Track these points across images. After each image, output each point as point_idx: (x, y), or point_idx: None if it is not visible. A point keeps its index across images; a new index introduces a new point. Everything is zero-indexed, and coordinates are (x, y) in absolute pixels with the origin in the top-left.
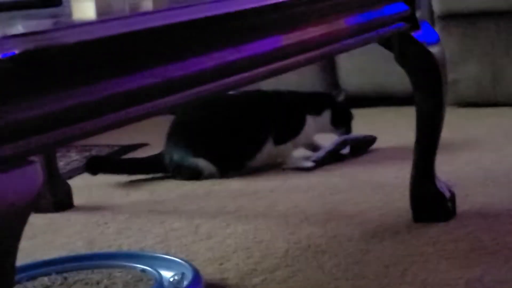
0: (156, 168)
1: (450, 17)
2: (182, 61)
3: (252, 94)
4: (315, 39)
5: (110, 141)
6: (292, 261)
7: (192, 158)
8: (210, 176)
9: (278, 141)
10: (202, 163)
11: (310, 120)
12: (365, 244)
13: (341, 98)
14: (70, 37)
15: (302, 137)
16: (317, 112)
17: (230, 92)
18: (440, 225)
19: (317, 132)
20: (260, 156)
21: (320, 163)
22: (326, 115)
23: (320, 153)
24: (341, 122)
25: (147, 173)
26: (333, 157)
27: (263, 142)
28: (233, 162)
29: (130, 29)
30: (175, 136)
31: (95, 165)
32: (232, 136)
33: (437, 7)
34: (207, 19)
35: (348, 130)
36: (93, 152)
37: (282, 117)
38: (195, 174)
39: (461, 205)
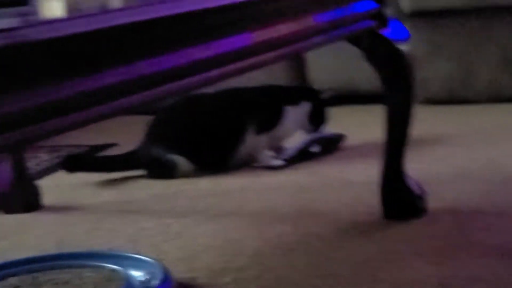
0: (131, 165)
1: (419, 15)
2: (152, 59)
3: (230, 90)
4: (285, 37)
5: (80, 141)
6: (263, 259)
7: (169, 154)
8: (184, 174)
9: (260, 130)
10: (179, 160)
11: (289, 111)
12: (336, 241)
13: (326, 95)
14: (39, 35)
15: (282, 128)
16: (295, 102)
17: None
18: (412, 222)
19: (296, 125)
20: (244, 149)
21: (290, 162)
22: (305, 107)
23: (290, 152)
24: (319, 119)
25: (123, 170)
26: (303, 156)
27: (243, 135)
28: (214, 159)
29: (100, 26)
30: (153, 133)
31: (72, 163)
32: (210, 133)
33: (405, 5)
34: (177, 16)
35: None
36: (62, 153)
37: (261, 107)
38: (170, 171)
39: (432, 202)
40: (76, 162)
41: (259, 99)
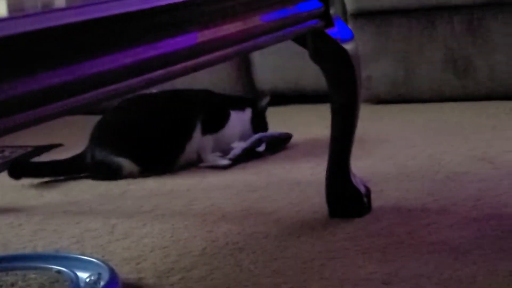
0: (77, 169)
1: (363, 15)
2: (96, 59)
3: (175, 91)
4: (230, 36)
5: (24, 142)
6: (209, 259)
7: (114, 157)
8: (129, 175)
9: (206, 131)
10: (124, 162)
11: (234, 115)
12: (282, 240)
13: (263, 103)
14: None
15: (227, 131)
16: (240, 107)
17: (153, 91)
18: (356, 221)
19: (240, 130)
20: (190, 149)
21: (236, 161)
22: (248, 113)
23: (236, 151)
24: (259, 125)
25: (69, 174)
26: (249, 155)
27: (189, 135)
28: (159, 160)
29: (42, 26)
30: (98, 135)
31: (17, 170)
32: (155, 134)
33: (349, 5)
34: (122, 15)
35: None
36: (6, 153)
37: (208, 108)
38: (115, 173)
39: (377, 200)
40: (21, 168)
41: (207, 101)
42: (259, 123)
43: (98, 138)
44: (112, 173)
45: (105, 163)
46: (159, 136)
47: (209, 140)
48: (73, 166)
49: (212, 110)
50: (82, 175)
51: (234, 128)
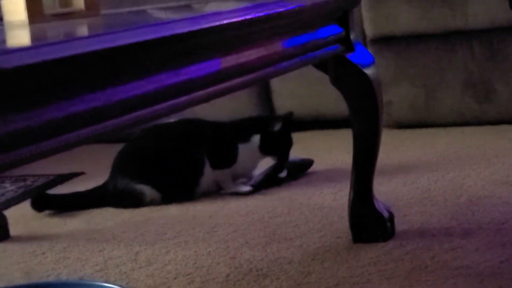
0: (99, 200)
1: (382, 40)
2: (121, 85)
3: (190, 121)
4: (252, 62)
5: (46, 171)
6: (233, 286)
7: (136, 184)
8: (151, 203)
9: (214, 166)
10: (146, 189)
11: (242, 148)
12: (306, 266)
13: (276, 126)
14: (6, 63)
15: (238, 166)
16: (245, 138)
17: (171, 120)
18: (380, 246)
19: (251, 161)
20: (204, 180)
21: (258, 187)
22: (255, 141)
23: (257, 177)
24: (271, 149)
25: (91, 206)
26: (270, 181)
27: (202, 167)
28: (179, 188)
29: (67, 53)
30: (119, 164)
31: (40, 202)
32: (174, 163)
33: (369, 30)
34: (145, 42)
35: (281, 157)
36: (28, 182)
37: (215, 145)
38: (138, 201)
39: (400, 225)
40: (44, 201)
41: (214, 137)
42: (273, 145)
43: (119, 167)
44: (134, 201)
45: (128, 191)
46: (176, 166)
47: (223, 173)
48: (95, 198)
49: (218, 147)
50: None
51: (244, 161)
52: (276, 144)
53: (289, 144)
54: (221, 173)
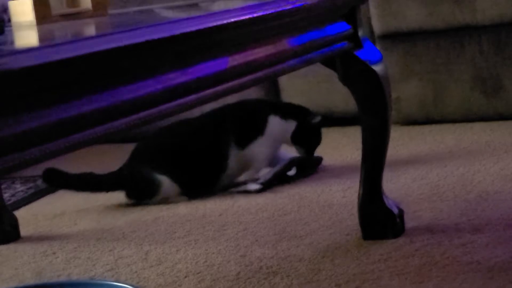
0: (113, 185)
1: (390, 36)
2: (129, 85)
3: (215, 111)
4: (260, 60)
5: None
6: (244, 283)
7: (156, 174)
8: (166, 195)
9: (241, 144)
10: (165, 180)
11: (274, 120)
12: (316, 263)
13: (316, 119)
14: (16, 64)
15: (269, 136)
16: (282, 115)
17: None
18: (390, 242)
19: (280, 138)
20: (230, 166)
21: (267, 186)
22: (291, 125)
23: (266, 175)
24: (303, 140)
25: (104, 190)
26: (279, 179)
27: (226, 152)
28: (200, 182)
29: (75, 54)
30: (140, 153)
31: (51, 176)
32: (196, 157)
33: (377, 27)
34: (153, 42)
35: (308, 152)
36: (39, 183)
37: (240, 120)
38: (154, 190)
39: (410, 221)
40: (56, 176)
41: (241, 112)
42: (306, 138)
43: (140, 155)
44: (150, 190)
45: (146, 179)
46: (199, 161)
47: (255, 147)
48: (108, 182)
49: (245, 120)
50: (114, 201)
51: (276, 132)
52: (309, 137)
53: (319, 141)
54: (252, 150)
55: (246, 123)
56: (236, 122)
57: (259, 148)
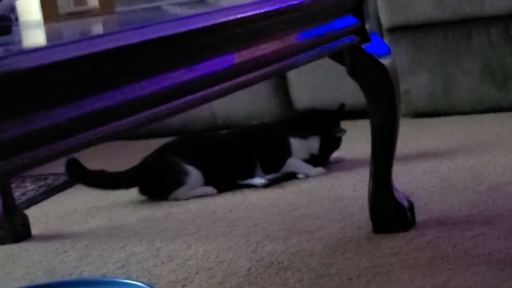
0: (134, 181)
1: (398, 29)
2: (136, 83)
3: (238, 131)
4: (267, 56)
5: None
6: (255, 279)
7: (185, 164)
8: (193, 186)
9: (267, 171)
10: (193, 171)
11: (295, 142)
12: (327, 258)
13: (339, 133)
14: (23, 64)
15: (295, 155)
16: (302, 135)
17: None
18: (401, 235)
19: (306, 152)
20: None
21: (274, 182)
22: (313, 141)
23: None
24: (327, 152)
25: (124, 187)
26: (286, 176)
27: (252, 175)
28: (227, 182)
29: (82, 52)
30: (172, 145)
31: (73, 168)
32: (226, 166)
33: (385, 20)
34: (160, 39)
35: (322, 159)
36: (49, 181)
37: (264, 147)
38: (180, 180)
39: (420, 214)
40: (78, 169)
41: (262, 138)
42: (330, 150)
43: (172, 147)
44: (177, 179)
45: (175, 167)
46: (228, 168)
47: (293, 164)
48: (129, 178)
49: (268, 150)
50: (125, 199)
51: (299, 153)
52: (332, 148)
53: (338, 147)
54: (291, 166)
55: (271, 152)
56: (262, 151)
57: (293, 162)
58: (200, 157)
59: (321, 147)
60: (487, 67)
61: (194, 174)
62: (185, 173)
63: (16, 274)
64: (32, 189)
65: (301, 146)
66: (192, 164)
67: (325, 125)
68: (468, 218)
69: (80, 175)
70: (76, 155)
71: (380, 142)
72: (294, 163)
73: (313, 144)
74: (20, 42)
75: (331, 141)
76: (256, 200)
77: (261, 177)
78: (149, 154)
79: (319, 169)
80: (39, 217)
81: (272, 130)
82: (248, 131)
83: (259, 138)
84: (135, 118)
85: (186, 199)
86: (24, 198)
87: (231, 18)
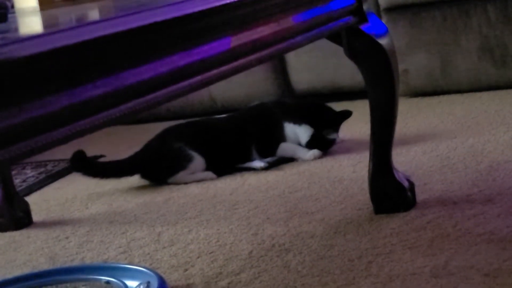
0: (136, 167)
1: (396, 9)
2: (134, 68)
3: (235, 116)
4: (264, 39)
5: (65, 155)
6: (257, 262)
7: (189, 149)
8: (195, 170)
9: (263, 155)
10: (196, 156)
11: (288, 126)
12: (328, 239)
13: (331, 136)
14: (20, 51)
15: (289, 139)
16: (295, 121)
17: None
18: (401, 216)
19: (296, 139)
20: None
21: (273, 165)
22: (305, 129)
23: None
24: (317, 146)
25: (128, 174)
26: (285, 160)
27: (249, 159)
28: (227, 168)
29: (79, 39)
30: (176, 131)
31: (79, 161)
32: (226, 149)
33: (382, 0)
34: (156, 24)
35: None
36: (49, 167)
37: (260, 132)
38: (182, 164)
39: (421, 194)
40: (83, 162)
41: (258, 123)
42: (319, 145)
43: (173, 133)
44: (179, 162)
45: (179, 152)
46: (228, 152)
47: (285, 148)
48: (132, 164)
49: (263, 133)
50: (125, 184)
51: (291, 138)
52: (323, 145)
53: (325, 148)
54: (284, 150)
55: (265, 135)
56: (257, 136)
57: (287, 146)
58: (202, 142)
59: (309, 141)
60: (486, 45)
61: (197, 159)
62: (189, 159)
63: (18, 261)
64: (33, 176)
65: (292, 132)
66: (195, 149)
67: (323, 121)
68: (469, 197)
69: (84, 168)
70: (76, 141)
71: (379, 122)
72: (288, 147)
73: (303, 133)
74: (16, 29)
75: (321, 140)
76: (256, 183)
77: (260, 160)
78: (151, 139)
79: (313, 152)
80: (40, 203)
81: (267, 114)
82: (245, 114)
83: (254, 122)
84: (133, 103)
85: (186, 183)
86: (24, 185)
87: (228, 1)
